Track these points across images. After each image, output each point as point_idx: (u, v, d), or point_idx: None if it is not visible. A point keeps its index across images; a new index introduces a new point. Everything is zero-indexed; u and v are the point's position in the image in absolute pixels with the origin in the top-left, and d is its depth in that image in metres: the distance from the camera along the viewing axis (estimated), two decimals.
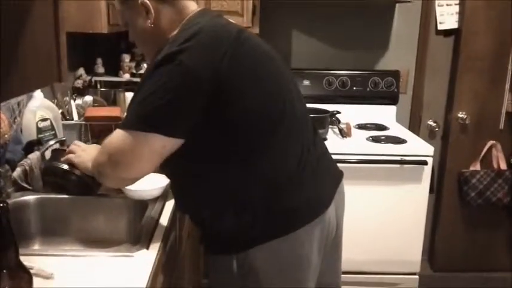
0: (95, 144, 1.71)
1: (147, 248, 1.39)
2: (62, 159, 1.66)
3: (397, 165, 2.61)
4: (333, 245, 1.58)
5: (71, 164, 1.64)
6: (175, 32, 1.39)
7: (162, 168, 1.44)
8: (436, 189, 3.27)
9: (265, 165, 1.35)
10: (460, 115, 3.20)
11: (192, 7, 1.46)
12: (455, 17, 3.14)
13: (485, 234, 3.35)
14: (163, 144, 1.28)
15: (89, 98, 2.46)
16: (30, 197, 1.68)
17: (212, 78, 1.25)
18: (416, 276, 2.78)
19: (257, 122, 1.33)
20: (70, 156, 1.63)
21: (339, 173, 1.63)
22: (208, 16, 1.44)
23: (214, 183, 1.37)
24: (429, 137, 3.32)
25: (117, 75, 2.99)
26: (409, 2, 2.79)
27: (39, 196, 1.69)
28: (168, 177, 1.53)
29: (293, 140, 1.41)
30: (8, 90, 0.66)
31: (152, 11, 1.41)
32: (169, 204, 1.68)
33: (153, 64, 1.29)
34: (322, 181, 1.49)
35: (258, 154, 1.34)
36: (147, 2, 1.41)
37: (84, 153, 1.60)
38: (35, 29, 0.71)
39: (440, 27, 3.17)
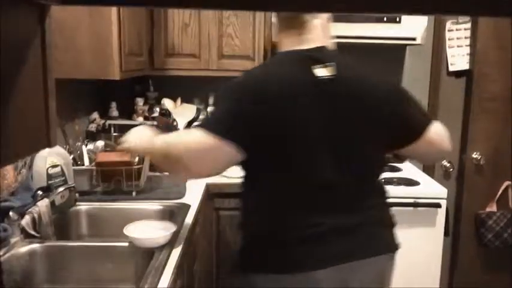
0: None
1: None
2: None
3: (410, 208, 2.57)
4: None
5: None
6: None
7: None
8: (452, 231, 3.21)
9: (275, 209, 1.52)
10: (474, 155, 3.16)
11: (285, 46, 1.63)
12: (467, 58, 3.14)
13: (503, 276, 3.27)
14: (235, 153, 1.43)
15: (100, 143, 2.48)
16: (37, 245, 1.68)
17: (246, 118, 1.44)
18: None
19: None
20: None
21: (374, 250, 1.56)
22: (273, 65, 1.62)
23: (245, 201, 1.61)
24: (444, 177, 3.29)
25: (131, 118, 3.02)
26: (420, 44, 2.80)
27: (46, 244, 1.70)
28: None
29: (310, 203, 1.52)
30: None
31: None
32: (176, 252, 1.67)
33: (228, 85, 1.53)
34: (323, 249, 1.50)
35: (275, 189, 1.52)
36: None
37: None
38: (24, 97, 0.71)
39: (451, 68, 3.18)
